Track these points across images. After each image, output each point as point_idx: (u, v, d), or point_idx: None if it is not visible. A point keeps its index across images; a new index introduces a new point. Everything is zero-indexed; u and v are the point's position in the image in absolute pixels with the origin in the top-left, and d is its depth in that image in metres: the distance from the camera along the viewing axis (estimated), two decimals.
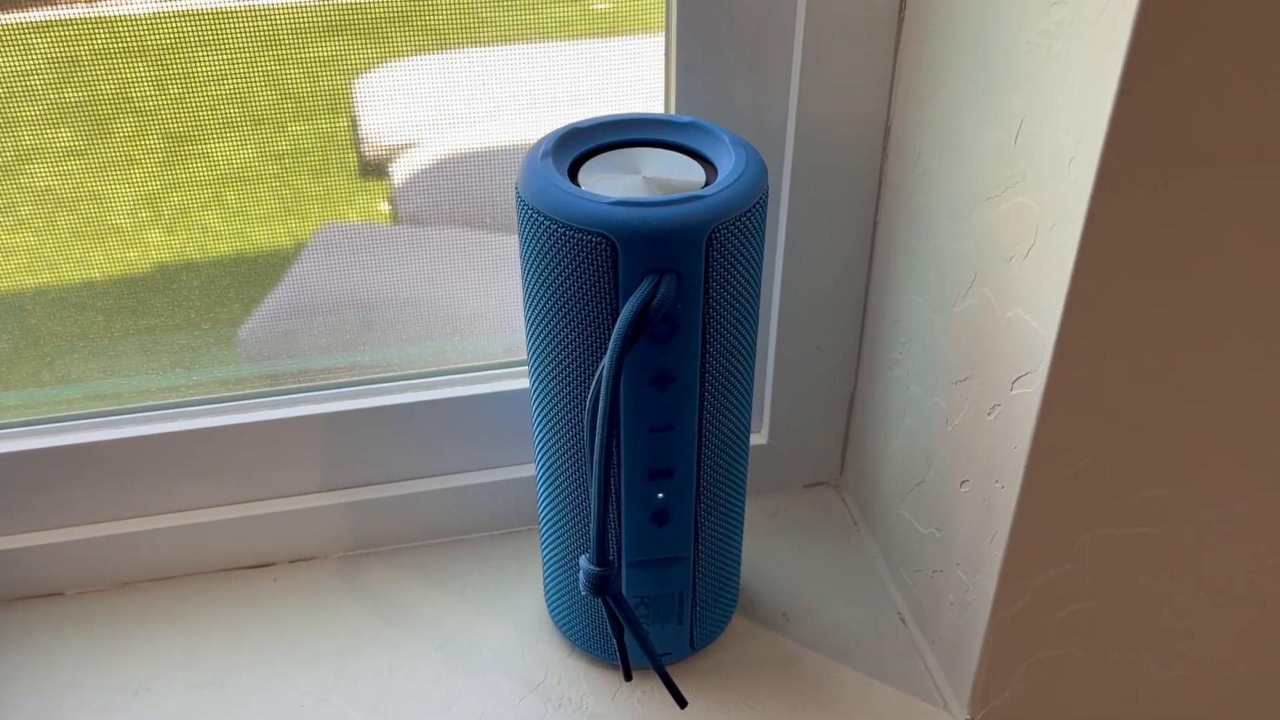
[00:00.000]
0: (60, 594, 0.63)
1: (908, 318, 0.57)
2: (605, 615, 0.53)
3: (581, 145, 0.49)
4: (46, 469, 0.60)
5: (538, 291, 0.47)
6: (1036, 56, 0.42)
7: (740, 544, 0.58)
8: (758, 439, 0.68)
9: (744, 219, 0.45)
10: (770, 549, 0.66)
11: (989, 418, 0.49)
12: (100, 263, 0.58)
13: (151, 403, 0.62)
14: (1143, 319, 0.43)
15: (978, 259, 0.49)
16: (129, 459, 0.61)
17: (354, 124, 0.57)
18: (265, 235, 0.59)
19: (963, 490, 0.53)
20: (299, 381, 0.63)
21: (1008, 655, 0.54)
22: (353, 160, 0.58)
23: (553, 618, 0.60)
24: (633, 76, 0.58)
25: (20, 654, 0.60)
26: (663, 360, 0.47)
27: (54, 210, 0.56)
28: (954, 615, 0.56)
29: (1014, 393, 0.47)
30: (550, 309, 0.47)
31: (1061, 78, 0.41)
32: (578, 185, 0.46)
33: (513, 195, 0.60)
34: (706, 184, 0.47)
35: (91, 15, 0.51)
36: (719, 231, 0.44)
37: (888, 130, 0.57)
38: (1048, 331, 0.44)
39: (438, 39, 0.55)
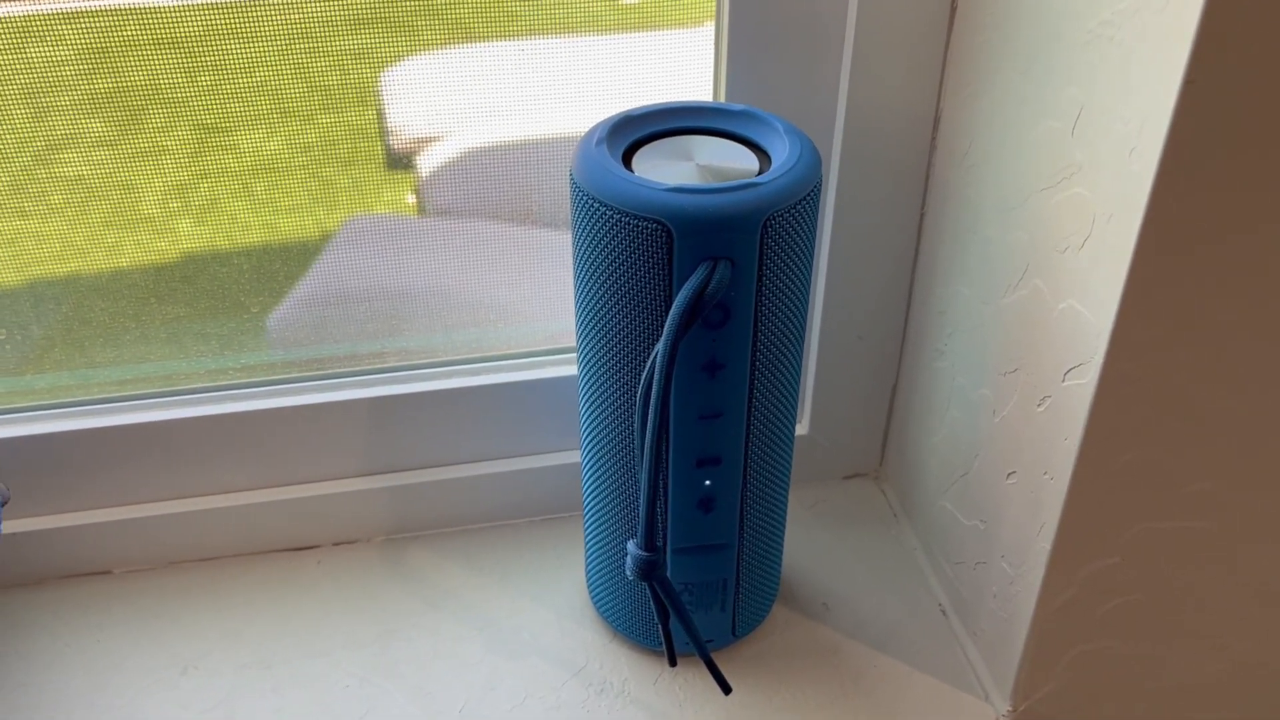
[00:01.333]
0: (109, 572, 0.64)
1: (954, 309, 0.57)
2: (650, 600, 0.53)
3: (635, 133, 0.49)
4: (98, 449, 0.61)
5: (591, 277, 0.47)
6: (1097, 46, 0.42)
7: (783, 533, 0.58)
8: (798, 429, 0.68)
9: (798, 207, 0.45)
10: (810, 539, 0.66)
11: (1038, 409, 0.49)
12: (131, 251, 0.59)
13: (199, 385, 0.62)
14: (1199, 311, 0.43)
15: (1030, 250, 0.49)
16: (175, 441, 0.62)
17: (382, 116, 0.58)
18: (293, 226, 0.60)
19: (1009, 482, 0.53)
20: (344, 366, 0.64)
21: (1051, 648, 0.54)
22: (380, 152, 0.59)
23: (594, 603, 0.60)
24: (662, 72, 0.58)
25: (70, 631, 0.61)
26: (714, 348, 0.47)
27: (86, 199, 0.56)
28: (997, 607, 0.56)
29: (1066, 384, 0.47)
30: (603, 295, 0.47)
31: (1123, 67, 0.41)
32: (631, 170, 0.46)
33: (541, 187, 0.60)
34: (760, 172, 0.47)
35: (123, 6, 0.52)
36: (774, 219, 0.44)
37: (937, 121, 0.57)
38: (1102, 323, 0.44)
39: (466, 32, 0.55)
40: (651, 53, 0.57)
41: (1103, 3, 0.41)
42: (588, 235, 0.46)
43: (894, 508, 0.68)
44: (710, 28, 0.56)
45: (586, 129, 0.48)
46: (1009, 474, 0.53)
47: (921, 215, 0.60)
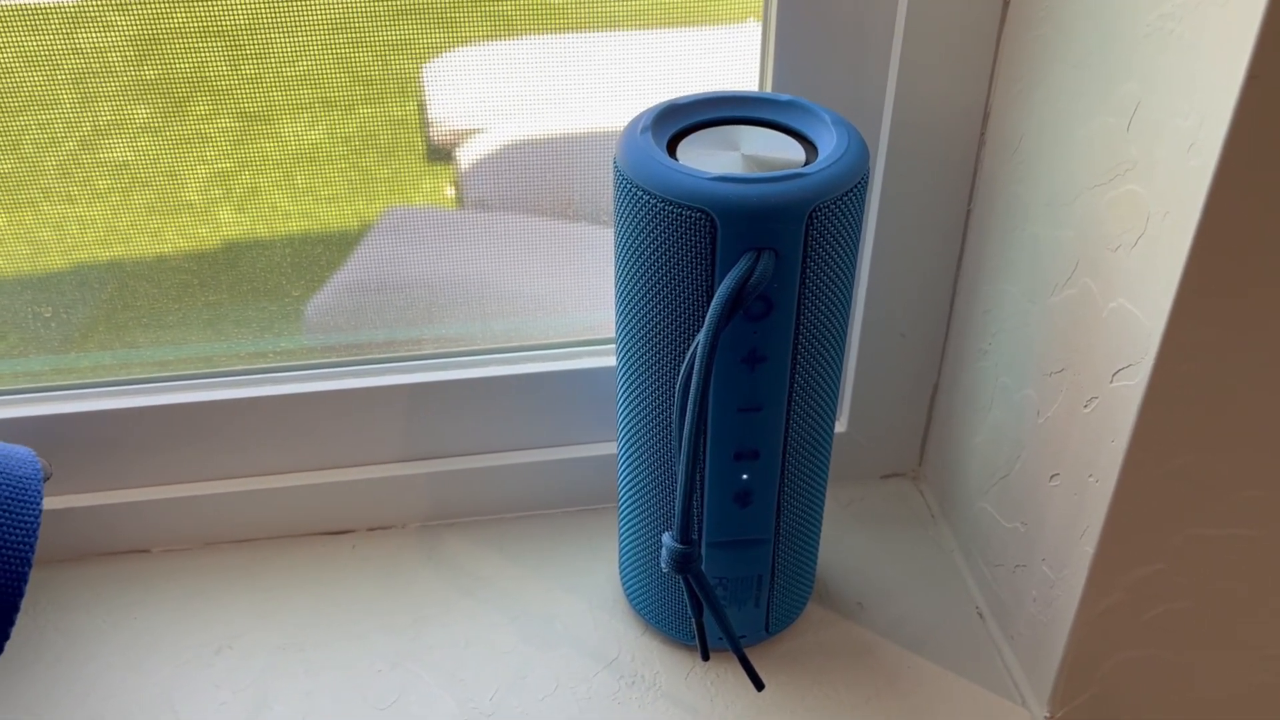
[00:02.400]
0: (148, 551, 0.65)
1: (1000, 307, 0.56)
2: (684, 594, 0.53)
3: (680, 121, 0.48)
4: (140, 429, 0.62)
5: (632, 266, 0.47)
6: (1157, 40, 0.41)
7: (819, 530, 0.57)
8: (837, 427, 0.67)
9: (845, 199, 0.44)
10: (846, 539, 0.66)
11: (1085, 410, 0.48)
12: (173, 238, 0.59)
13: (240, 367, 0.63)
14: (1255, 313, 0.42)
15: (1080, 248, 0.48)
16: (217, 422, 0.62)
17: (423, 108, 0.58)
18: (333, 216, 0.60)
19: (1052, 484, 0.52)
20: (382, 352, 0.64)
21: (1092, 654, 0.53)
22: (420, 144, 0.59)
23: (628, 595, 0.60)
24: (704, 68, 0.57)
25: (107, 608, 0.61)
26: (755, 340, 0.46)
27: (130, 185, 0.57)
28: (1036, 611, 0.55)
29: (1114, 385, 0.46)
30: (644, 284, 0.47)
31: (1183, 62, 0.40)
32: (676, 159, 0.46)
33: (580, 181, 0.60)
34: (806, 163, 0.46)
35: None
36: (820, 210, 0.44)
37: (987, 115, 0.56)
38: (1154, 324, 0.43)
39: (508, 25, 0.55)
40: (694, 48, 0.57)
41: None
42: (630, 223, 0.46)
43: (932, 508, 0.68)
44: (753, 25, 0.56)
45: (631, 119, 0.48)
46: (1052, 476, 0.52)
47: (968, 211, 0.59)
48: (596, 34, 0.56)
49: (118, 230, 0.58)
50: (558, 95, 0.57)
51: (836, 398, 0.52)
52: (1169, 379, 0.43)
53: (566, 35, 0.56)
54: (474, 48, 0.55)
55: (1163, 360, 0.43)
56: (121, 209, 0.58)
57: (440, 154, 0.59)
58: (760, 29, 0.55)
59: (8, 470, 0.52)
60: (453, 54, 0.55)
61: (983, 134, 0.56)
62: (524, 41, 0.55)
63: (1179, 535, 0.48)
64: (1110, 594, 0.50)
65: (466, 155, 0.60)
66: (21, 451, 0.54)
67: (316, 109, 0.56)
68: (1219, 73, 0.38)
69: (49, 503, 0.62)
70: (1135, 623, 0.52)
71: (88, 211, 0.57)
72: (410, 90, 0.56)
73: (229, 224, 0.59)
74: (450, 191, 0.61)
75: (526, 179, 0.60)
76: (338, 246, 0.61)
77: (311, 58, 0.54)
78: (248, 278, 0.61)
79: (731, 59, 0.57)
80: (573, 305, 0.65)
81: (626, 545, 0.58)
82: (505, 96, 0.57)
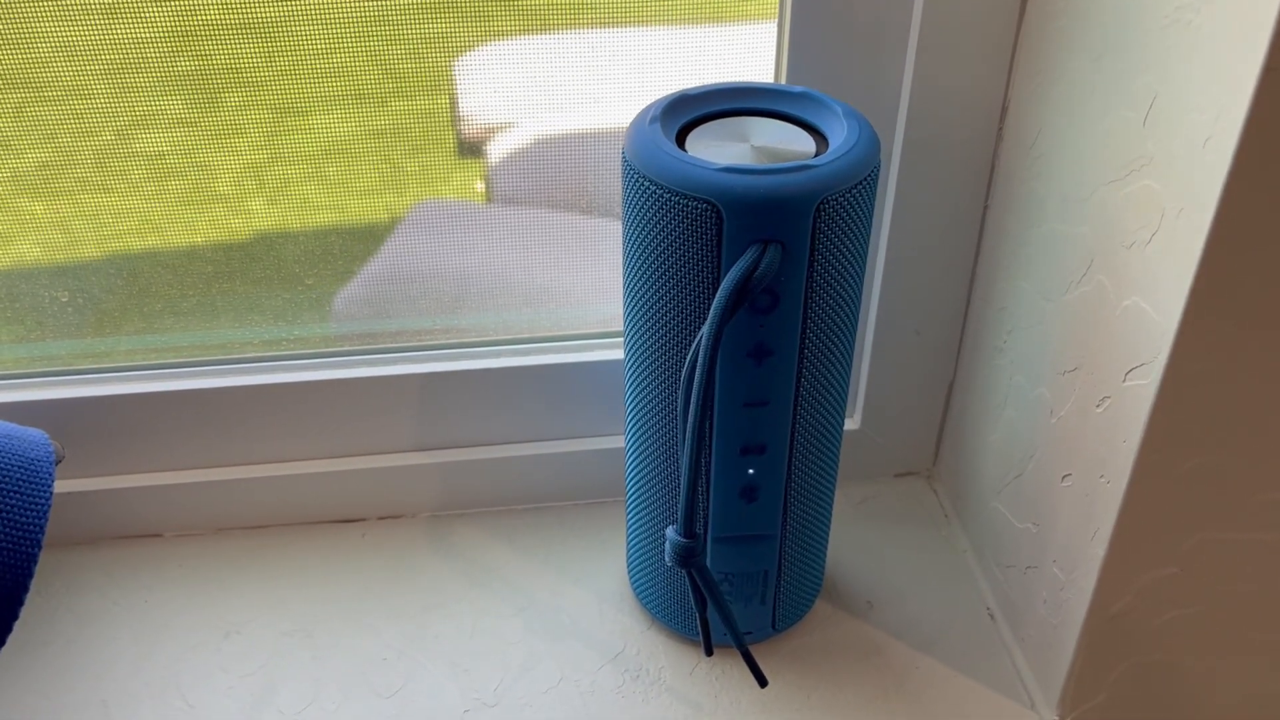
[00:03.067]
0: (160, 535, 0.65)
1: (1015, 304, 0.55)
2: (688, 588, 0.53)
3: (691, 112, 0.48)
4: (152, 413, 0.62)
5: (639, 257, 0.47)
6: (1174, 32, 0.40)
7: (828, 526, 0.57)
8: (849, 424, 0.67)
9: (854, 192, 0.44)
10: (857, 537, 0.65)
11: (1097, 410, 0.48)
12: (205, 229, 0.60)
13: (253, 354, 0.63)
14: (1271, 312, 0.41)
15: (1095, 244, 0.47)
16: (230, 408, 0.62)
17: (453, 103, 0.58)
18: (363, 209, 0.60)
19: (1064, 484, 0.51)
20: (396, 341, 0.64)
21: (1102, 658, 0.52)
22: (450, 139, 0.59)
23: (634, 589, 0.60)
24: (736, 62, 0.57)
25: (120, 590, 0.62)
26: (762, 333, 0.46)
27: (164, 177, 0.57)
28: (1047, 613, 0.54)
29: (1127, 384, 0.45)
30: (650, 275, 0.46)
31: (1200, 54, 0.39)
32: (685, 151, 0.46)
33: (608, 177, 0.60)
34: (817, 155, 0.46)
35: None
36: (827, 203, 0.43)
37: (1005, 110, 0.55)
38: (1168, 322, 0.42)
39: (539, 20, 0.55)
40: (727, 45, 0.57)
41: None
42: (637, 214, 0.46)
43: (945, 508, 0.67)
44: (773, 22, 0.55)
45: (641, 110, 0.48)
46: (1064, 476, 0.51)
47: (985, 207, 0.58)
48: (626, 29, 0.55)
49: (151, 220, 0.59)
50: (587, 90, 0.57)
51: (846, 393, 0.52)
52: (1182, 379, 0.43)
53: (599, 30, 0.55)
54: (504, 42, 0.55)
55: (1175, 360, 0.42)
56: (156, 200, 0.58)
57: (470, 148, 0.59)
58: (775, 21, 0.55)
59: (20, 452, 0.53)
60: (483, 49, 0.55)
61: (1001, 128, 0.56)
62: (554, 37, 0.55)
63: (1192, 539, 0.48)
64: (1121, 598, 0.49)
65: (496, 150, 0.60)
66: (34, 434, 0.54)
67: (349, 103, 0.56)
68: (1235, 66, 0.37)
69: (64, 485, 0.63)
70: (1147, 627, 0.51)
71: (123, 202, 0.58)
72: (441, 85, 0.56)
73: (261, 216, 0.60)
74: (479, 186, 0.61)
75: (555, 174, 0.60)
76: (367, 239, 0.61)
77: (345, 51, 0.54)
78: (277, 270, 0.61)
79: (753, 53, 0.57)
80: (592, 296, 0.64)
81: (634, 539, 0.57)
82: (535, 91, 0.57)
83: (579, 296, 0.64)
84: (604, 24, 0.55)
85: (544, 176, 0.60)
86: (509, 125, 0.59)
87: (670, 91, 0.48)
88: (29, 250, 0.59)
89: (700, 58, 0.57)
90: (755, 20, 0.56)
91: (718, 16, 0.56)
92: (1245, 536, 0.48)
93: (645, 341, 0.49)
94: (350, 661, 0.58)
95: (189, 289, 0.61)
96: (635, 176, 0.45)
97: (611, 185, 0.60)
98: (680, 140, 0.47)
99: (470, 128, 0.59)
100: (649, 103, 0.48)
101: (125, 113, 0.55)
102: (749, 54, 0.57)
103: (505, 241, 0.61)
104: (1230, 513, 0.47)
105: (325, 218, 0.60)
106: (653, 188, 0.44)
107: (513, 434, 0.65)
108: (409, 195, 0.60)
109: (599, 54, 0.56)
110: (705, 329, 0.43)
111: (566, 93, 0.57)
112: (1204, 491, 0.46)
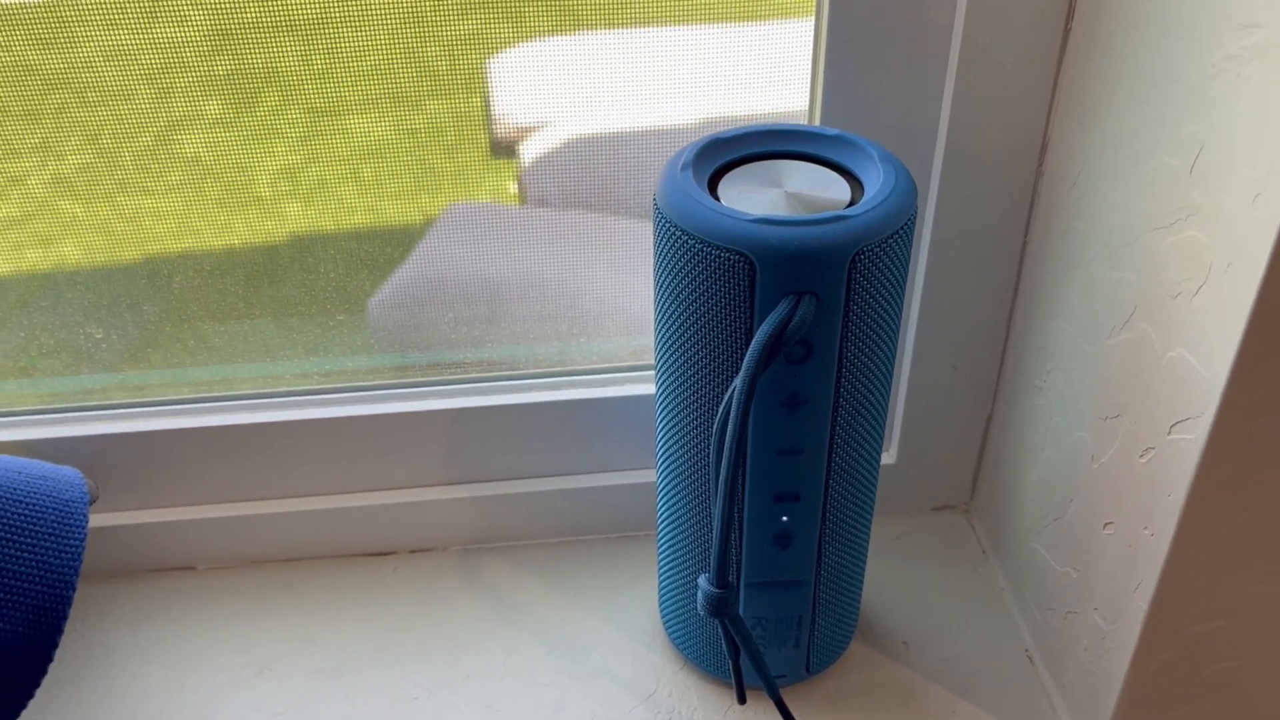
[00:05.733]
0: (193, 569, 0.66)
1: (1055, 345, 0.54)
2: (721, 634, 0.52)
3: (723, 156, 0.47)
4: (186, 448, 0.62)
5: (671, 305, 0.46)
6: (1222, 81, 0.39)
7: (863, 570, 0.56)
8: (886, 458, 0.66)
9: (890, 241, 0.43)
10: (894, 573, 0.64)
11: (1141, 460, 0.46)
12: (241, 231, 0.60)
13: (285, 389, 0.63)
14: None
15: (1139, 292, 0.46)
16: (262, 443, 0.62)
17: (487, 104, 0.57)
18: (397, 211, 0.60)
19: (1106, 532, 0.50)
20: (428, 375, 0.64)
21: (1145, 709, 0.51)
22: (484, 140, 0.58)
23: (666, 629, 0.59)
24: (774, 63, 0.56)
25: (152, 625, 0.62)
26: (796, 383, 0.45)
27: (201, 178, 0.57)
28: (1088, 661, 0.53)
29: (1171, 437, 0.44)
30: (683, 324, 0.46)
31: (1250, 106, 0.38)
32: (717, 196, 0.45)
33: (642, 178, 0.59)
34: (852, 202, 0.45)
35: None
36: (863, 254, 0.42)
37: (1044, 148, 0.54)
38: (1215, 378, 0.41)
39: (574, 20, 0.54)
40: (767, 44, 0.55)
41: (1231, 36, 0.38)
42: (669, 262, 0.45)
43: (983, 544, 0.66)
44: (807, 22, 0.54)
45: (673, 156, 0.47)
46: (1106, 524, 0.50)
47: (1024, 244, 0.57)
48: (662, 28, 0.54)
49: (188, 223, 0.59)
50: (621, 90, 0.56)
51: (881, 440, 0.51)
52: (1230, 435, 0.41)
53: (634, 30, 0.55)
54: (539, 42, 0.55)
55: (1223, 416, 0.41)
56: (194, 202, 0.58)
57: (503, 149, 0.59)
58: (811, 45, 0.53)
59: (55, 494, 0.53)
60: (518, 48, 0.55)
61: (1041, 165, 0.54)
62: (589, 36, 0.55)
63: (1240, 593, 0.46)
64: (1165, 650, 0.48)
65: (529, 151, 0.59)
66: (69, 474, 0.54)
67: (384, 104, 0.56)
68: None
69: (98, 520, 0.63)
70: (1192, 679, 0.49)
71: (160, 204, 0.58)
72: (476, 85, 0.56)
73: (296, 218, 0.60)
74: (512, 188, 0.61)
75: (588, 175, 0.59)
76: (401, 241, 0.61)
77: (380, 52, 0.54)
78: (312, 272, 0.61)
79: (789, 52, 0.55)
80: (621, 325, 0.64)
81: (665, 580, 0.57)
82: (569, 92, 0.56)
83: (613, 312, 0.63)
84: (639, 23, 0.54)
85: (577, 178, 0.59)
86: (542, 126, 0.59)
87: (703, 136, 0.48)
88: (70, 253, 0.59)
89: (739, 56, 0.55)
90: (792, 18, 0.55)
91: (754, 15, 0.55)
92: None
93: (677, 387, 0.48)
94: (381, 700, 0.58)
95: (226, 293, 0.61)
96: (667, 225, 0.44)
97: (644, 187, 0.60)
98: (713, 184, 0.46)
99: (504, 128, 0.58)
100: (680, 148, 0.47)
101: (164, 115, 0.55)
102: (785, 53, 0.55)
103: (538, 244, 0.61)
104: (1278, 567, 0.46)
105: (360, 219, 0.60)
106: (685, 237, 0.43)
107: (543, 468, 0.65)
108: (443, 197, 0.60)
109: (634, 54, 0.55)
110: (738, 382, 0.42)
111: (600, 93, 0.56)
112: (1253, 547, 0.45)
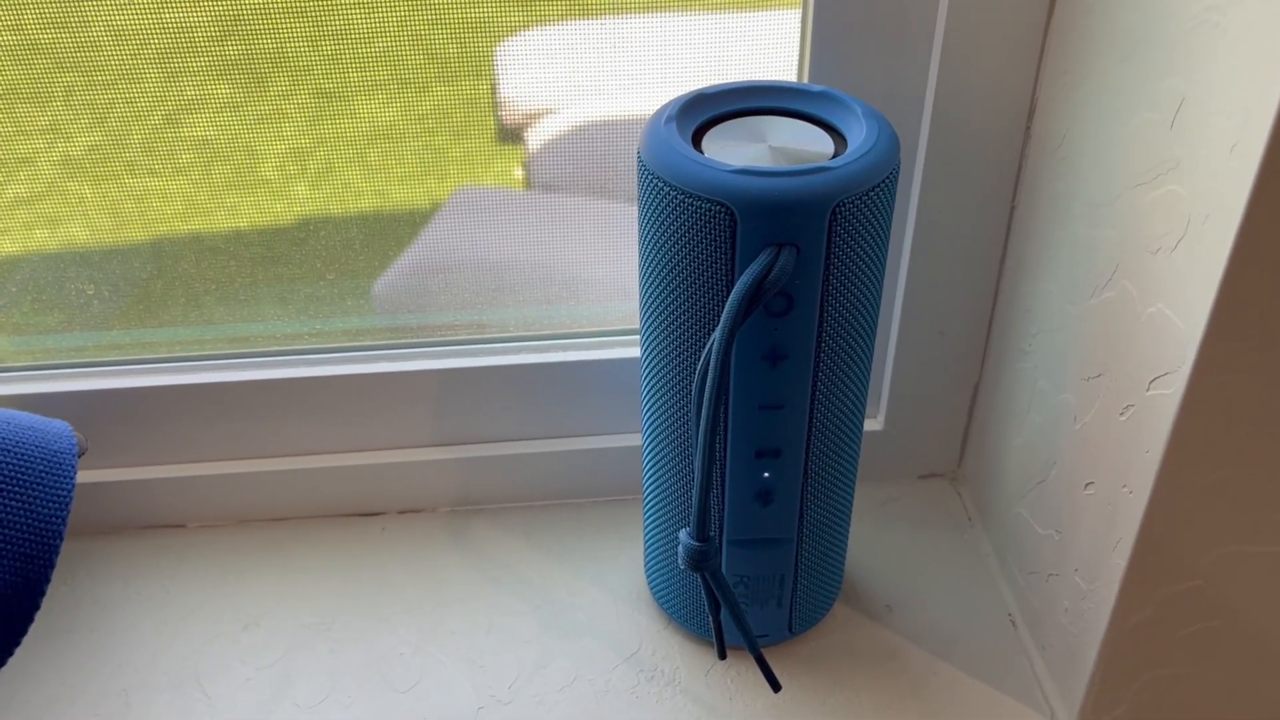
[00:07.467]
0: (183, 526, 0.66)
1: (1040, 307, 0.54)
2: (703, 591, 0.52)
3: (707, 111, 0.47)
4: (176, 406, 0.62)
5: (653, 258, 0.46)
6: (1201, 34, 0.39)
7: (847, 530, 0.56)
8: (873, 425, 0.66)
9: (871, 194, 0.43)
10: (879, 539, 0.65)
11: (1121, 418, 0.47)
12: (248, 213, 0.60)
13: (277, 348, 0.63)
14: None
15: (1120, 249, 0.46)
16: (253, 401, 0.63)
17: (494, 88, 0.57)
18: (404, 194, 0.60)
19: (1087, 492, 0.50)
20: (419, 336, 0.64)
21: (1123, 669, 0.51)
22: (491, 124, 0.58)
23: (651, 589, 0.60)
24: (772, 48, 0.56)
25: (142, 580, 0.63)
26: (777, 336, 0.45)
27: (210, 160, 0.58)
28: (1068, 622, 0.53)
29: (1150, 393, 0.44)
30: (665, 277, 0.46)
31: (1228, 57, 0.38)
32: (701, 152, 0.45)
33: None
34: (835, 156, 0.45)
35: None
36: (844, 206, 0.42)
37: (1033, 109, 0.54)
38: (1193, 331, 0.41)
39: (582, 6, 0.54)
40: (767, 30, 0.56)
41: None
42: (652, 215, 0.45)
43: (969, 511, 0.66)
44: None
45: (657, 109, 0.47)
46: (1087, 484, 0.50)
47: (1012, 208, 0.57)
48: (670, 15, 0.55)
49: (196, 204, 0.59)
50: (628, 76, 0.56)
51: (865, 396, 0.51)
52: (1206, 389, 0.42)
53: (641, 16, 0.55)
54: (547, 27, 0.55)
55: (1200, 370, 0.41)
56: (202, 184, 0.59)
57: (510, 134, 0.59)
58: (799, 16, 0.54)
59: (43, 444, 0.53)
60: (526, 33, 0.55)
61: (1029, 128, 0.55)
62: (598, 22, 0.55)
63: (1215, 552, 0.47)
64: (1143, 609, 0.48)
65: (536, 136, 0.60)
66: (58, 426, 0.55)
67: (392, 88, 0.56)
68: (1264, 69, 0.36)
69: (88, 476, 0.64)
70: (1169, 639, 0.50)
71: (169, 185, 0.58)
72: (484, 70, 0.56)
73: (304, 200, 0.60)
74: (519, 172, 0.61)
75: (594, 160, 0.59)
76: (408, 225, 0.61)
77: (389, 37, 0.55)
78: (318, 255, 0.61)
79: (784, 40, 0.56)
80: (621, 288, 0.64)
81: (650, 538, 0.57)
82: (576, 77, 0.56)
83: (611, 287, 0.64)
84: (647, 9, 0.55)
85: (583, 163, 0.59)
86: (549, 111, 0.59)
87: (687, 90, 0.48)
88: (77, 233, 0.60)
89: (735, 43, 0.56)
90: (788, 8, 0.55)
91: (754, 3, 0.55)
92: (1270, 550, 0.47)
93: (659, 343, 0.48)
94: (367, 656, 0.58)
95: (232, 274, 0.62)
96: (650, 177, 0.44)
97: None
98: (696, 140, 0.46)
99: (511, 113, 0.59)
100: (665, 101, 0.47)
101: (173, 97, 0.56)
102: (780, 41, 0.56)
103: (543, 228, 0.61)
104: (1255, 526, 0.46)
105: (367, 203, 0.60)
106: (667, 189, 0.44)
107: (532, 430, 0.65)
108: (450, 181, 0.60)
109: (641, 40, 0.55)
110: (717, 333, 0.42)
111: (607, 79, 0.57)
112: (1228, 504, 0.45)
